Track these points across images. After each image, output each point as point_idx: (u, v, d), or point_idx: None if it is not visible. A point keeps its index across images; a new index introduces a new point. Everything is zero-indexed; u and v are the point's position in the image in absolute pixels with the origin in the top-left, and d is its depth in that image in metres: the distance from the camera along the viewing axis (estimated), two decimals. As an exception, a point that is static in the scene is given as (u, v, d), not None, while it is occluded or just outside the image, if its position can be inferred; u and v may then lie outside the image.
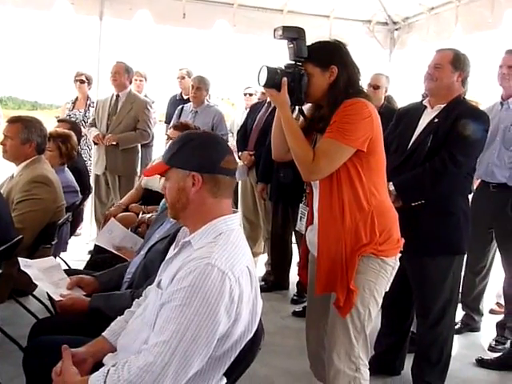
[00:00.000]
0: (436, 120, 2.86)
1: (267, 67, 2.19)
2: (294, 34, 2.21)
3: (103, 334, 1.91)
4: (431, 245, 2.86)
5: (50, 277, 2.50)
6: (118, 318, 1.97)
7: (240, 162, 4.97)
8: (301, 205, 2.44)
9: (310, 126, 2.37)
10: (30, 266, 2.50)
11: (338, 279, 2.24)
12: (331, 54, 2.27)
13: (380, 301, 2.34)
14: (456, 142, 2.76)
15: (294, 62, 2.26)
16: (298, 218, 2.45)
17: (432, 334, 3.00)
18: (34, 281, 2.41)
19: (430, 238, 2.85)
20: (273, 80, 2.19)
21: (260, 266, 5.21)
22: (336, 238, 2.24)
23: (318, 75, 2.24)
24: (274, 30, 2.22)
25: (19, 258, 2.54)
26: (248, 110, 5.54)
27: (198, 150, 1.73)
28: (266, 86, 2.22)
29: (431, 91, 2.96)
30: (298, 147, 2.24)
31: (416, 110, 3.04)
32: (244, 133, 5.15)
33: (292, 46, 2.22)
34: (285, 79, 2.20)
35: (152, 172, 1.93)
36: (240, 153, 5.07)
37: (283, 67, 2.25)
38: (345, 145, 2.16)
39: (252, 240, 5.14)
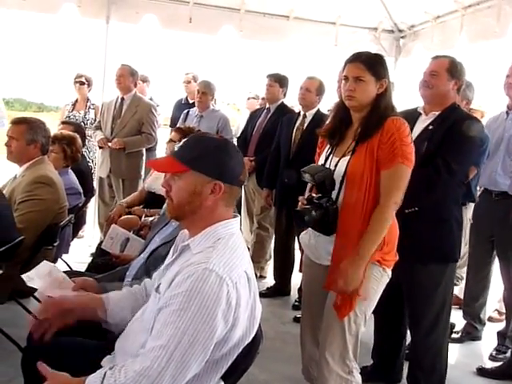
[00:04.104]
0: (431, 127, 2.84)
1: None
2: None
3: (101, 295, 1.96)
4: (424, 252, 2.82)
5: (52, 282, 2.44)
6: (116, 291, 2.04)
7: None
8: None
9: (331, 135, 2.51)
10: (32, 279, 2.45)
11: None
12: (385, 68, 2.42)
13: (373, 308, 2.43)
14: (450, 149, 2.73)
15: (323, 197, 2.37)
16: None
17: (426, 343, 2.97)
18: (43, 291, 2.34)
19: (423, 245, 2.81)
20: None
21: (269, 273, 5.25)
22: (356, 241, 2.28)
23: (372, 84, 2.37)
24: None
25: (23, 276, 2.49)
26: (249, 116, 5.55)
27: (225, 159, 1.71)
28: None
29: (426, 98, 2.95)
30: (379, 235, 2.28)
31: (410, 117, 3.01)
32: (244, 139, 5.23)
33: None
34: None
35: (164, 169, 1.80)
36: None
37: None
38: (409, 167, 2.30)
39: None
